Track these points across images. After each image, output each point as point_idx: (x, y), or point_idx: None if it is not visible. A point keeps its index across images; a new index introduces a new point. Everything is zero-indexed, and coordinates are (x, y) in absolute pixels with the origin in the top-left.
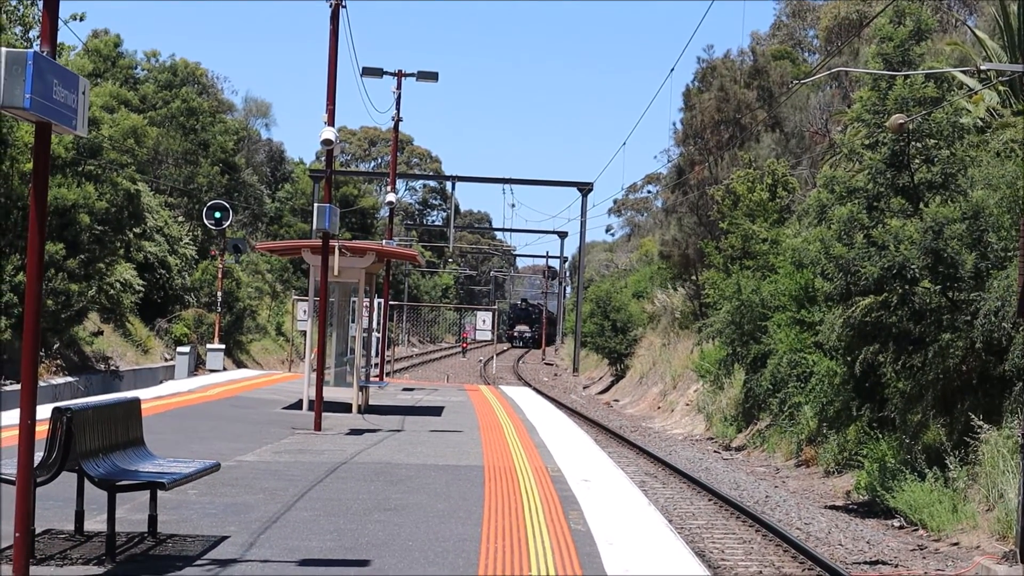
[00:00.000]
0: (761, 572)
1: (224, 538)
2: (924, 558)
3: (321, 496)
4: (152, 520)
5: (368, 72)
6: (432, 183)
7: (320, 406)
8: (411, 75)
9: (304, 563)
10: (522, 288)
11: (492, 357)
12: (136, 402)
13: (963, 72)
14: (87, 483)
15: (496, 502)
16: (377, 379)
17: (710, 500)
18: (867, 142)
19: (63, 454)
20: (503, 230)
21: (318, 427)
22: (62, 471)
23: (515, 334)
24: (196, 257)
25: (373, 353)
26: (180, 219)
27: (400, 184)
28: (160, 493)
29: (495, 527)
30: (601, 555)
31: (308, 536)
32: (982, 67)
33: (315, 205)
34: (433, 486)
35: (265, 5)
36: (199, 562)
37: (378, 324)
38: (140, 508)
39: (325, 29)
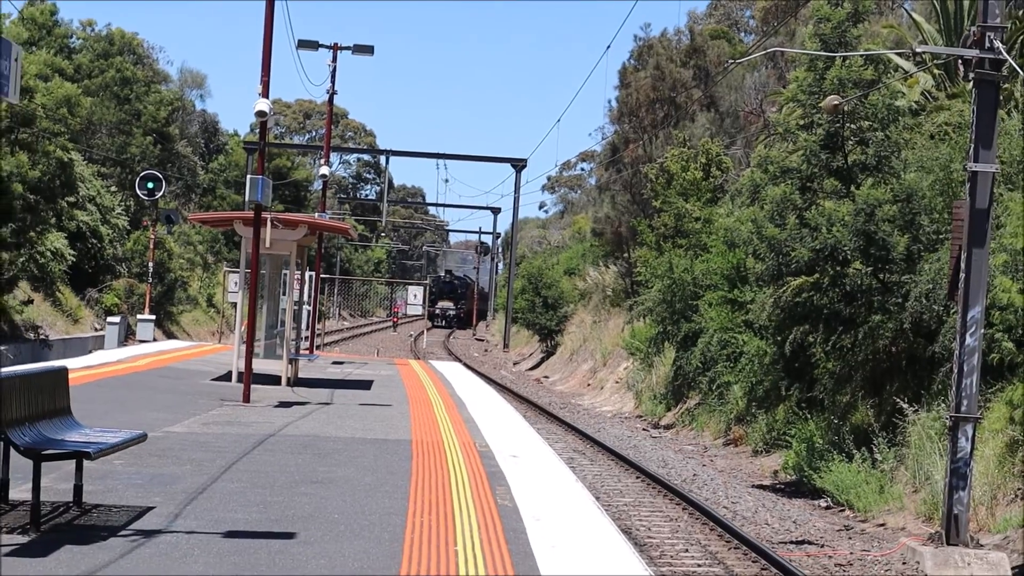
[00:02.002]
0: (687, 550)
1: (149, 509)
2: (850, 538)
3: (248, 468)
4: (77, 490)
5: (304, 44)
6: (366, 157)
7: (249, 378)
8: (347, 48)
9: (229, 535)
10: (453, 263)
11: (423, 332)
12: (63, 371)
13: (898, 55)
14: (12, 452)
15: (423, 477)
16: (307, 352)
17: (638, 478)
18: (802, 123)
19: None
20: (436, 205)
21: (247, 399)
22: None
23: (437, 311)
24: (128, 227)
25: (304, 326)
26: (113, 189)
27: (334, 157)
28: (86, 463)
29: (421, 501)
30: (527, 531)
31: (234, 508)
32: (917, 49)
33: (248, 177)
34: (361, 460)
35: None
36: (123, 532)
37: (309, 297)
38: (65, 477)
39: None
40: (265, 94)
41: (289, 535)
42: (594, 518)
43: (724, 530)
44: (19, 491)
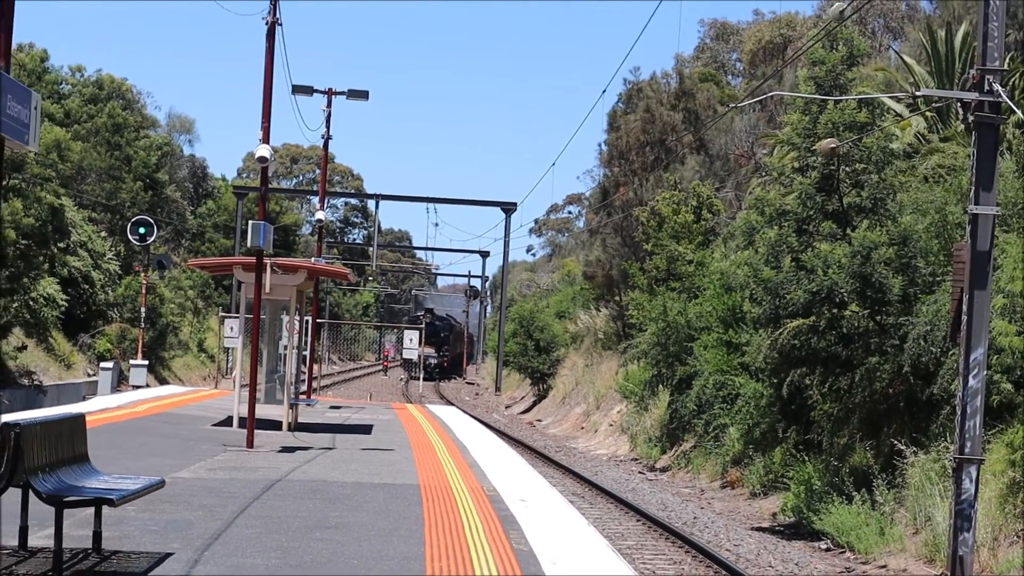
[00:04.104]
0: None
1: (168, 555)
2: None
3: (260, 514)
4: (97, 536)
5: (298, 90)
6: (353, 201)
7: (252, 423)
8: (341, 93)
9: None
10: (436, 304)
11: (418, 375)
12: (81, 418)
13: (891, 98)
14: (31, 498)
15: (436, 521)
16: (305, 396)
17: (638, 521)
18: (797, 165)
19: (11, 469)
20: (425, 249)
21: (250, 444)
22: (9, 486)
23: (414, 359)
24: (119, 272)
25: (301, 370)
26: (103, 234)
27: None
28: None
29: (438, 546)
30: (546, 575)
31: (252, 554)
32: (918, 93)
33: (250, 223)
34: (371, 504)
35: (190, 20)
36: None
37: (306, 341)
38: (80, 524)
39: (249, 45)
40: (266, 140)
41: None
42: (611, 562)
43: (729, 573)
44: (36, 537)
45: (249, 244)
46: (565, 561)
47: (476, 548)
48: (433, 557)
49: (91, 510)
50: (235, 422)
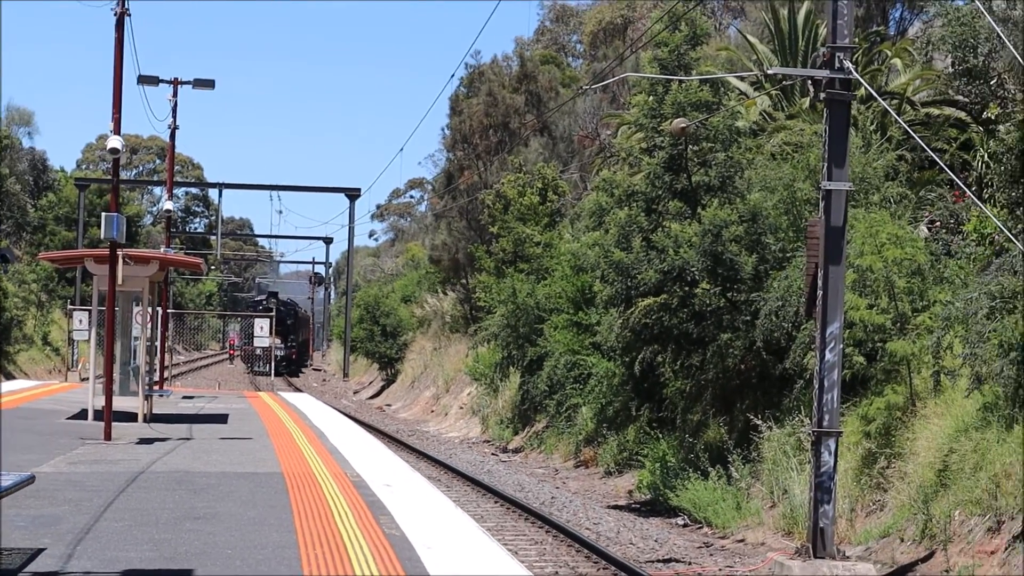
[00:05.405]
0: (557, 573)
1: (41, 550)
2: (712, 555)
3: (127, 506)
4: None
5: (145, 80)
6: (194, 190)
7: (110, 415)
8: (187, 83)
9: (128, 574)
10: (284, 292)
11: (264, 369)
12: None
13: (737, 77)
14: None
15: (305, 509)
16: (159, 387)
17: (496, 502)
18: (645, 146)
19: None
20: (268, 236)
21: (108, 437)
22: None
23: (258, 352)
24: None
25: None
26: None
27: (163, 191)
28: None
29: (310, 534)
30: (423, 559)
31: (125, 547)
32: (770, 71)
33: (103, 214)
34: (237, 494)
35: (24, 9)
36: (21, 575)
37: (157, 332)
38: None
39: (89, 35)
40: (117, 131)
41: (187, 572)
42: (483, 543)
43: (591, 551)
44: None
45: (103, 236)
46: (439, 544)
47: (348, 535)
48: (307, 544)
49: None
50: (90, 415)
